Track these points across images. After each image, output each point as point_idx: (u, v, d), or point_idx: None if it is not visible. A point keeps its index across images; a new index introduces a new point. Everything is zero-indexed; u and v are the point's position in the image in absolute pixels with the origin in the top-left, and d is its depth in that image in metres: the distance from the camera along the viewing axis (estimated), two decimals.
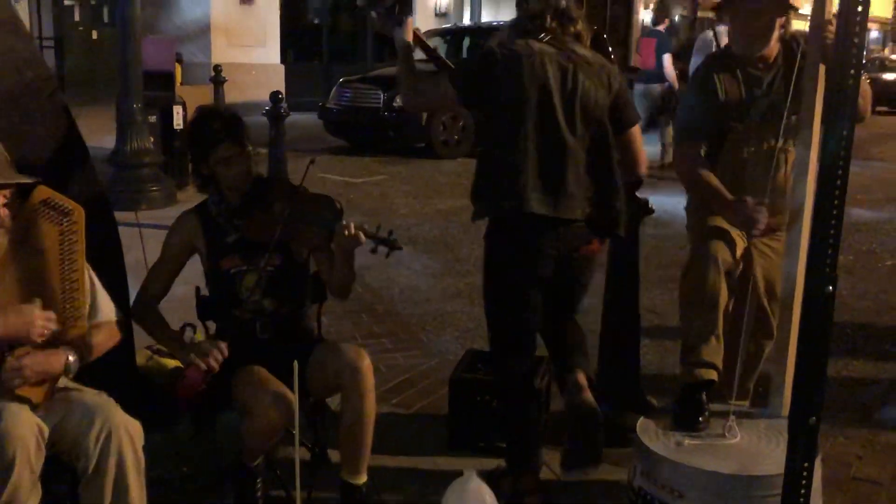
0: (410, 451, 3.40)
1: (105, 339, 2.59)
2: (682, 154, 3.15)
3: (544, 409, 3.50)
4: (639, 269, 3.45)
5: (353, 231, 2.66)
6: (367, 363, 2.72)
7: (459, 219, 7.35)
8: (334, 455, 2.98)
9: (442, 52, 9.84)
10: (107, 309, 2.63)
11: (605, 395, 3.12)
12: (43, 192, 2.47)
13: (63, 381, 2.48)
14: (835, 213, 1.65)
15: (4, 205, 2.35)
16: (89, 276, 2.56)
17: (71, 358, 2.45)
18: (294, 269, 2.88)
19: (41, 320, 2.36)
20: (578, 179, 2.79)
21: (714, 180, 2.99)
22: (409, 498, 3.08)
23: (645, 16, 26.91)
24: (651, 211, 3.36)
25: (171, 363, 3.67)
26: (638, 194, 3.29)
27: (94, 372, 2.58)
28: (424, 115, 11.09)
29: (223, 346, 2.62)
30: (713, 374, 2.85)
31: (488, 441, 3.35)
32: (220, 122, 2.81)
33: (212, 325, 3.04)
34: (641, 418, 2.82)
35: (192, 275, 2.96)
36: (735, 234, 2.97)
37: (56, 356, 2.42)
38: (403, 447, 3.41)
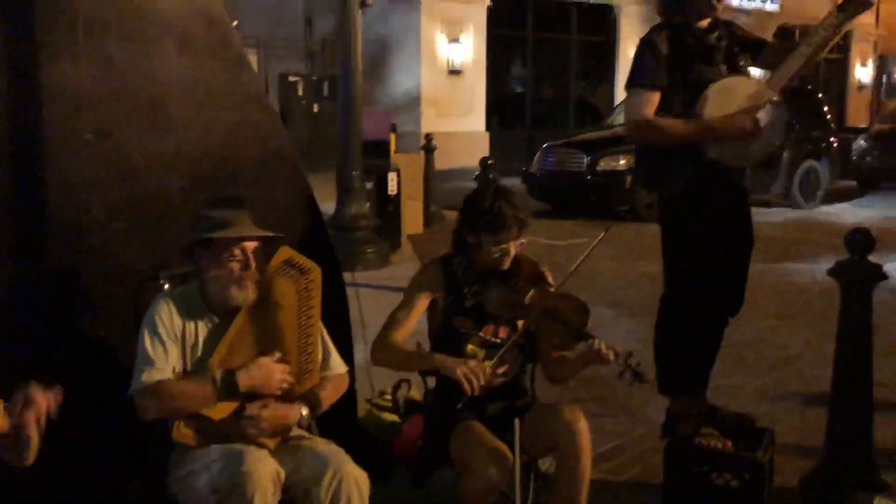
0: None
1: (334, 391, 2.74)
2: None
3: (769, 483, 3.34)
4: (871, 338, 3.24)
5: (605, 351, 2.69)
6: (584, 425, 2.71)
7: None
8: None
9: None
10: (336, 362, 2.78)
11: (835, 472, 2.93)
12: (285, 252, 2.68)
13: (295, 430, 2.65)
14: None
15: (254, 253, 2.56)
16: (321, 330, 2.73)
17: (304, 412, 2.61)
18: (519, 343, 2.91)
19: (280, 373, 2.55)
20: None
21: None
22: None
23: (861, 74, 25.59)
24: (885, 276, 3.16)
25: (390, 417, 3.81)
26: (871, 258, 3.12)
27: (319, 422, 2.73)
28: (628, 179, 11.00)
29: (488, 369, 2.67)
30: None
31: None
32: (514, 209, 2.80)
33: (429, 383, 3.12)
34: (877, 498, 2.63)
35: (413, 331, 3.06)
36: None
37: (292, 409, 2.59)
38: None
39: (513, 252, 2.85)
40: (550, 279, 2.93)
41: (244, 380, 2.49)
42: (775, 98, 3.32)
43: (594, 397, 4.73)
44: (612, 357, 2.69)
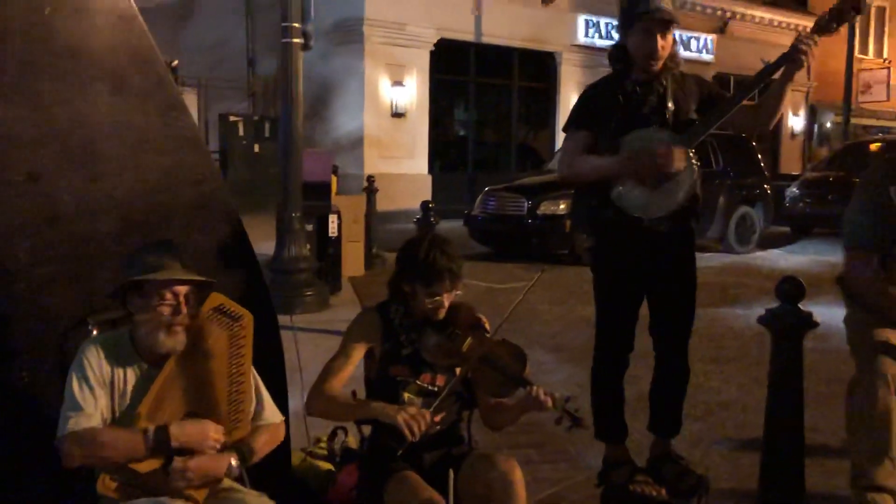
0: None
1: (268, 441, 2.68)
2: (853, 265, 3.04)
3: None
4: (802, 385, 3.30)
5: (543, 397, 2.69)
6: (519, 475, 2.69)
7: None
8: None
9: None
10: (270, 411, 2.72)
11: None
12: (216, 298, 2.63)
13: (225, 482, 2.57)
14: None
15: (185, 298, 2.50)
16: (254, 378, 2.68)
17: (234, 462, 2.54)
18: (457, 390, 2.90)
19: (214, 432, 2.48)
20: None
21: (891, 293, 2.88)
22: None
23: (794, 122, 26.43)
24: (815, 324, 3.22)
25: (325, 466, 3.74)
26: (801, 306, 3.18)
27: (252, 472, 2.67)
28: (568, 223, 11.15)
29: (428, 414, 2.65)
30: (888, 500, 2.67)
31: None
32: (449, 261, 2.78)
33: (364, 432, 3.08)
34: None
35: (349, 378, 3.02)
36: None
37: (220, 460, 2.51)
38: None
39: (447, 303, 2.85)
40: (488, 326, 2.93)
41: (177, 436, 2.43)
42: (685, 152, 3.32)
43: (533, 443, 4.71)
44: (549, 403, 2.69)
